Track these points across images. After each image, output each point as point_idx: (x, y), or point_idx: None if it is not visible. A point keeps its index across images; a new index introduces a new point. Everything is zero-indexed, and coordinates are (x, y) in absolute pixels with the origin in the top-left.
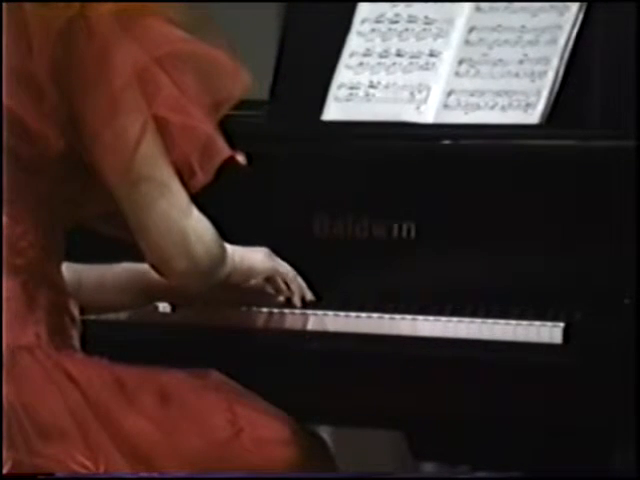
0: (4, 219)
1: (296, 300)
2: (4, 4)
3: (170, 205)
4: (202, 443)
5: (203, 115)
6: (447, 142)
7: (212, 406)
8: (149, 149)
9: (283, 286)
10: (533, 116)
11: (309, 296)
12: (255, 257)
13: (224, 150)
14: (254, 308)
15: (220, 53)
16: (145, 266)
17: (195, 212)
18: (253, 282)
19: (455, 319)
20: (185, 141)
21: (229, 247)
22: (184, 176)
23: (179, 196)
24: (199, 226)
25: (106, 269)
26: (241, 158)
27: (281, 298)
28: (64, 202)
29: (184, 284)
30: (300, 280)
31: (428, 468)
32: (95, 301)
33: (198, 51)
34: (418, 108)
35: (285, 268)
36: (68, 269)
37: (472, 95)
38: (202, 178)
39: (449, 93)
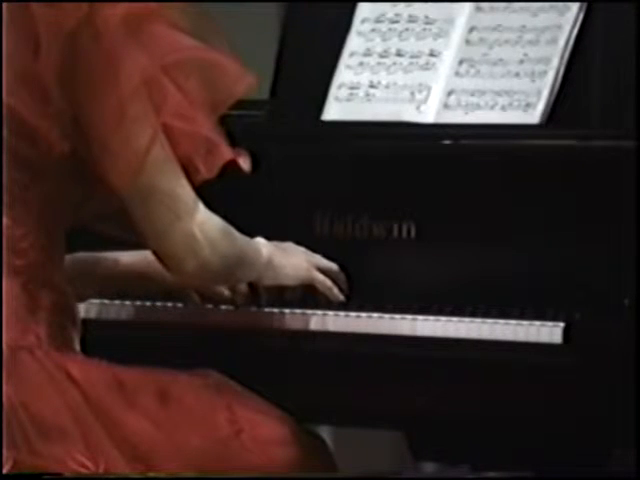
0: (5, 220)
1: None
2: (11, 4)
3: (178, 209)
4: (202, 443)
5: (207, 120)
6: (447, 142)
7: (212, 406)
8: (158, 157)
9: (324, 292)
10: (533, 116)
11: (341, 298)
12: (291, 263)
13: (226, 153)
14: (254, 308)
15: (224, 57)
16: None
17: (203, 214)
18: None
19: (455, 319)
20: (188, 145)
21: (268, 247)
22: (187, 172)
23: (187, 199)
24: (207, 227)
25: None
26: (244, 164)
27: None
28: (65, 204)
29: (198, 284)
30: (342, 277)
31: (428, 468)
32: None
33: (203, 57)
34: (418, 108)
35: (320, 277)
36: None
37: (472, 95)
38: (205, 174)
39: (449, 93)
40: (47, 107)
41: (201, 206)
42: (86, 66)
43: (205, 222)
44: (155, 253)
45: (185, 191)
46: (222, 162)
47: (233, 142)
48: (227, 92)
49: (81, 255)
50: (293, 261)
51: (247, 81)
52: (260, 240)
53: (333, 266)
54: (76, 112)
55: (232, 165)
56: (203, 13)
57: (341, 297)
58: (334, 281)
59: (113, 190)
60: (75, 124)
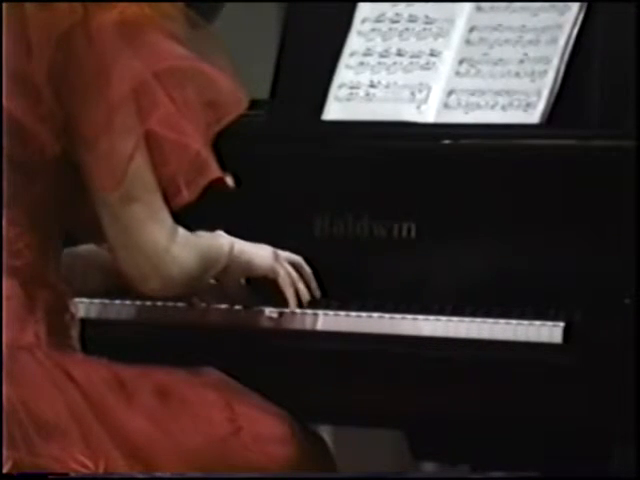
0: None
1: (292, 304)
2: (4, 4)
3: (154, 226)
4: (201, 441)
5: (197, 133)
6: (447, 142)
7: (211, 404)
8: (140, 168)
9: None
10: (533, 116)
11: (307, 299)
12: (256, 253)
13: (213, 170)
14: (254, 308)
15: (219, 72)
16: None
17: (179, 236)
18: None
19: (455, 319)
20: (176, 158)
21: (229, 240)
22: (168, 193)
23: (164, 218)
24: (178, 249)
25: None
26: (230, 181)
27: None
28: (59, 205)
29: (157, 296)
30: (301, 286)
31: (428, 468)
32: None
33: (197, 69)
34: (419, 108)
35: (284, 271)
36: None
37: (472, 95)
38: (186, 197)
39: (449, 93)
40: (39, 108)
41: (180, 229)
42: (78, 69)
43: (178, 245)
44: (119, 267)
45: (165, 212)
46: (207, 180)
47: (232, 144)
48: (222, 110)
49: (83, 248)
50: (259, 252)
51: (241, 100)
52: (221, 233)
53: (300, 260)
54: (67, 114)
55: (218, 182)
56: (204, 28)
57: (306, 293)
58: (302, 277)
59: (95, 196)
60: (66, 127)
